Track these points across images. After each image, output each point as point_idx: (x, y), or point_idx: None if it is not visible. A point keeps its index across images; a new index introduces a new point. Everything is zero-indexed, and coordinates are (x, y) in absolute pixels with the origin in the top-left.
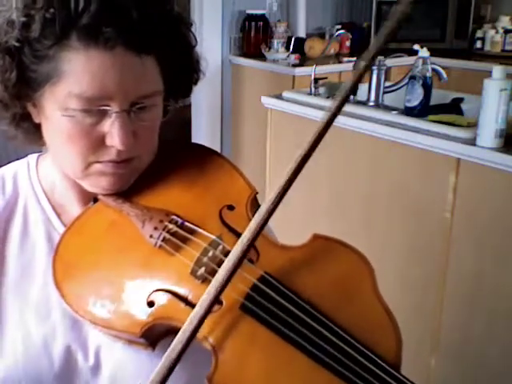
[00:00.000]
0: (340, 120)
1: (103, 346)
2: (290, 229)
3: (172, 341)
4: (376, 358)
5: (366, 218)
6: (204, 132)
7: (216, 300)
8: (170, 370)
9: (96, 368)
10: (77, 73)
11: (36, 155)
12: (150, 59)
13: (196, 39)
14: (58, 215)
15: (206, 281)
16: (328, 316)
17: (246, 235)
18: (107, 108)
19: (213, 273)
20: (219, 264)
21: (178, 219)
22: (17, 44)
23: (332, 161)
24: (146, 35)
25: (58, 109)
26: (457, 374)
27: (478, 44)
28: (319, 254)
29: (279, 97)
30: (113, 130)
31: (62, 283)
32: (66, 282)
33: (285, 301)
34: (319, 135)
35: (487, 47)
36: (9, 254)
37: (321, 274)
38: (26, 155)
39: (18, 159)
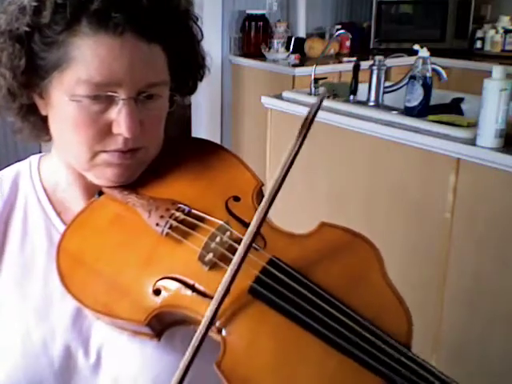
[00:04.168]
0: (340, 120)
1: (106, 344)
2: (290, 229)
3: (183, 331)
4: (387, 338)
5: (366, 218)
6: (204, 132)
7: (231, 286)
8: (191, 362)
9: (97, 366)
10: (86, 58)
11: (38, 155)
12: (158, 48)
13: (202, 33)
14: (59, 214)
15: (213, 267)
16: (337, 298)
17: (256, 217)
18: (115, 94)
19: (221, 258)
20: (227, 249)
21: (186, 207)
22: (27, 29)
23: (332, 161)
24: (155, 23)
25: (65, 96)
26: (457, 374)
27: (478, 44)
28: (327, 241)
29: (279, 97)
30: (120, 118)
31: (67, 275)
32: (71, 273)
33: (294, 283)
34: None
35: (487, 47)
36: (8, 253)
37: (329, 260)
38: (27, 154)
39: (18, 159)
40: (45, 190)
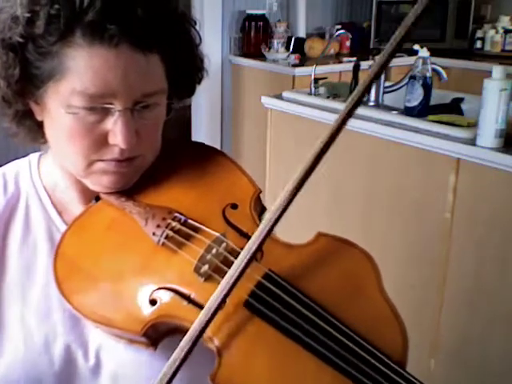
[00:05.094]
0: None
1: (104, 346)
2: (290, 229)
3: (180, 341)
4: (382, 356)
5: (366, 218)
6: (204, 132)
7: (226, 298)
8: (177, 369)
9: (96, 368)
10: (80, 70)
11: (38, 154)
12: (155, 57)
13: (200, 37)
14: (60, 214)
15: (209, 278)
16: (333, 314)
17: (256, 235)
18: (110, 106)
19: (217, 270)
20: (223, 261)
21: (182, 217)
22: (21, 40)
23: (332, 160)
24: (151, 33)
25: (61, 106)
26: (456, 375)
27: (478, 44)
28: (323, 252)
29: (279, 97)
30: (116, 129)
31: (63, 282)
32: (68, 280)
33: (290, 298)
34: (336, 130)
35: (487, 47)
36: (10, 253)
37: (325, 272)
38: (27, 154)
39: (18, 158)
40: (45, 190)
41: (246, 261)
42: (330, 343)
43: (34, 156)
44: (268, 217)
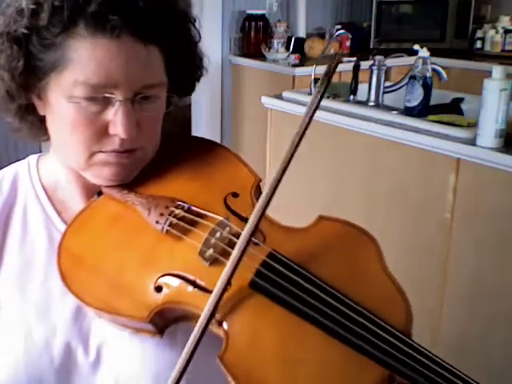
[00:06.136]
0: (340, 120)
1: (106, 342)
2: None
3: (184, 327)
4: (388, 327)
5: (366, 218)
6: (204, 132)
7: (231, 278)
8: (189, 359)
9: (97, 364)
10: (83, 60)
11: (36, 155)
12: (155, 50)
13: (200, 35)
14: (59, 213)
15: (214, 262)
16: (337, 289)
17: (255, 211)
18: (111, 96)
19: (221, 253)
20: (228, 244)
21: (185, 204)
22: (25, 31)
23: (332, 161)
24: (152, 25)
25: (62, 97)
26: None
27: (478, 44)
28: (325, 233)
29: (279, 97)
30: (116, 119)
31: (68, 275)
32: (72, 273)
33: (294, 275)
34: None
35: (487, 47)
36: (8, 253)
37: (328, 252)
38: (27, 155)
39: (18, 159)
40: (44, 190)
41: (249, 234)
42: (337, 316)
43: (32, 157)
44: (263, 195)
